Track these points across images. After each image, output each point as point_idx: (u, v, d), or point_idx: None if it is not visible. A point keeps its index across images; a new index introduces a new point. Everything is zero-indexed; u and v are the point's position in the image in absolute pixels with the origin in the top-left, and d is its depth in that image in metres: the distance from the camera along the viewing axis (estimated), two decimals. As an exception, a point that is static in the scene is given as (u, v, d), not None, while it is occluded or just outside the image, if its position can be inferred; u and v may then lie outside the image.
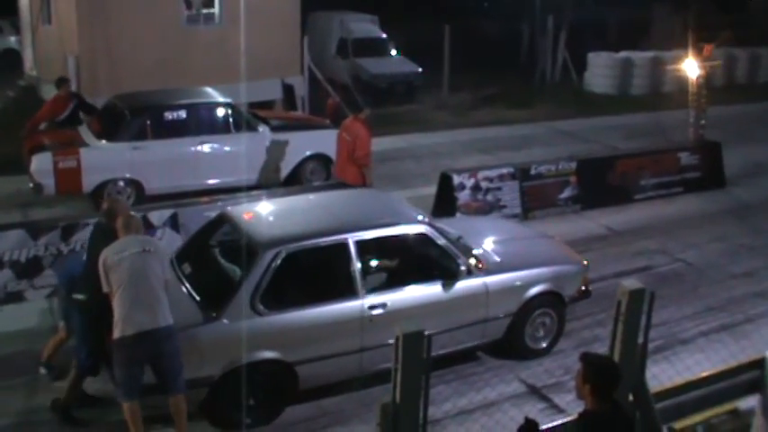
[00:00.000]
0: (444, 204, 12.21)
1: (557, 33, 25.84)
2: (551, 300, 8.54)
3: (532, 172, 12.94)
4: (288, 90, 19.58)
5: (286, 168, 13.55)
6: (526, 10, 27.76)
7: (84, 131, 12.88)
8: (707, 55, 14.79)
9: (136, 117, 12.68)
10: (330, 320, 7.39)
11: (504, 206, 12.60)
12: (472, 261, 8.20)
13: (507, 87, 24.45)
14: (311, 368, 7.36)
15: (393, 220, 8.11)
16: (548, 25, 25.70)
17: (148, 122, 12.66)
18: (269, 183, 13.14)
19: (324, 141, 13.30)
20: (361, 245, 7.62)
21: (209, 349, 6.99)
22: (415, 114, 21.22)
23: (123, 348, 6.50)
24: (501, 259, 8.59)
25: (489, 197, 12.51)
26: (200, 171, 12.81)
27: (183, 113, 12.97)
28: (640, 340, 5.96)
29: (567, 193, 13.21)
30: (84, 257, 7.44)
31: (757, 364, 7.01)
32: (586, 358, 4.92)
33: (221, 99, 13.35)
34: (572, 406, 7.12)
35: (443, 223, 8.87)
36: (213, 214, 9.44)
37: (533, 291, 8.36)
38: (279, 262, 7.23)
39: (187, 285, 7.55)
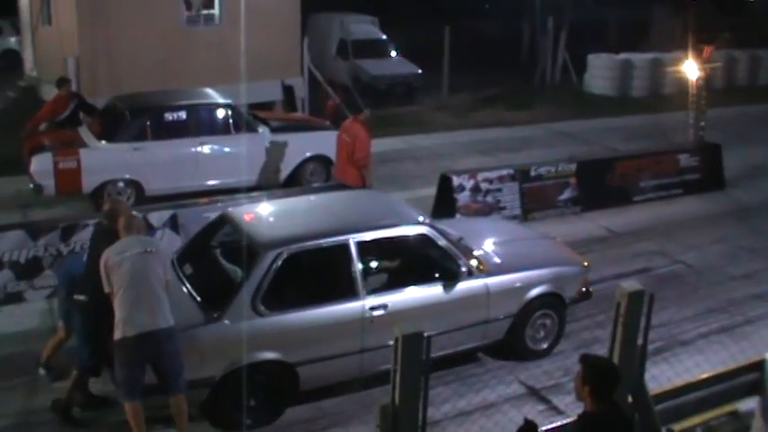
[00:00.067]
0: (444, 206, 12.21)
1: (557, 34, 25.86)
2: (552, 301, 8.54)
3: (532, 173, 12.95)
4: (288, 91, 19.58)
5: (286, 169, 13.56)
6: (526, 11, 27.80)
7: (85, 132, 12.89)
8: (707, 57, 14.80)
9: (136, 118, 12.68)
10: (331, 321, 7.39)
11: (504, 207, 12.60)
12: (474, 262, 8.20)
13: (507, 88, 24.45)
14: (312, 369, 7.36)
15: (394, 221, 8.11)
16: (548, 26, 25.71)
17: (148, 123, 12.66)
18: (269, 184, 13.14)
19: (324, 142, 13.30)
20: (362, 246, 7.62)
21: (210, 350, 6.99)
22: (415, 115, 21.22)
23: (124, 349, 6.51)
24: (501, 260, 8.59)
25: (489, 198, 12.51)
26: (200, 172, 12.81)
27: (183, 114, 12.98)
28: (640, 342, 5.97)
29: (566, 195, 13.21)
30: (85, 258, 7.44)
31: (757, 365, 7.02)
32: (586, 360, 4.92)
33: (221, 100, 13.36)
34: (571, 407, 7.12)
35: (443, 224, 8.87)
36: (213, 215, 9.45)
37: (534, 292, 8.36)
38: (280, 263, 7.23)
39: (188, 286, 7.55)
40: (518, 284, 8.32)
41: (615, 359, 5.79)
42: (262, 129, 13.47)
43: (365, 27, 25.19)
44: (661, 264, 11.37)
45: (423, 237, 7.99)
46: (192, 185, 12.63)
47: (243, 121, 13.25)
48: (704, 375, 7.10)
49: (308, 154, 13.72)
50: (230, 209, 8.49)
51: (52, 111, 13.59)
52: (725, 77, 25.55)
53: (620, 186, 13.82)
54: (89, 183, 12.27)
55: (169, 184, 12.53)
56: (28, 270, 9.54)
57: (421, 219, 8.28)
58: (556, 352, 8.66)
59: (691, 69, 14.83)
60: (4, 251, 9.41)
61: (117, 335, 6.49)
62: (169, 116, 12.93)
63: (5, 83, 21.57)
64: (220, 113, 13.24)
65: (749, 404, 7.19)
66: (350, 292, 7.52)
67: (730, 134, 17.03)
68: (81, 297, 7.08)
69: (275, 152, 13.40)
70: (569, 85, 25.55)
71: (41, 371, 7.86)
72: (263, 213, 8.42)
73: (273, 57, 18.20)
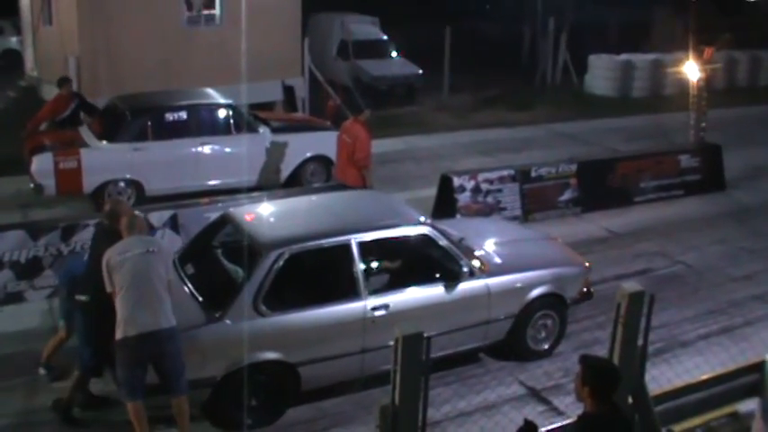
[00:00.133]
0: (444, 206, 12.21)
1: (557, 35, 25.84)
2: (553, 301, 8.54)
3: (533, 174, 12.95)
4: (288, 91, 19.58)
5: (286, 170, 13.56)
6: (527, 12, 27.78)
7: (85, 132, 12.89)
8: (708, 58, 14.80)
9: (136, 118, 12.69)
10: (332, 322, 7.40)
11: (505, 208, 12.60)
12: (476, 263, 8.20)
13: (508, 89, 24.44)
14: (313, 369, 7.36)
15: (395, 221, 8.12)
16: (549, 27, 25.69)
17: (149, 123, 12.66)
18: (269, 184, 13.14)
19: (324, 143, 13.30)
20: (363, 246, 7.63)
21: (212, 350, 6.99)
22: (416, 116, 21.21)
23: (126, 349, 6.51)
24: (503, 261, 8.59)
25: (489, 199, 12.51)
26: (201, 172, 12.82)
27: (183, 114, 12.98)
28: (640, 343, 5.97)
29: (567, 196, 13.21)
30: (86, 258, 7.44)
31: (757, 367, 7.03)
32: (585, 360, 4.92)
33: (222, 100, 13.36)
34: (571, 408, 7.12)
35: (444, 225, 8.87)
36: (213, 215, 9.47)
37: (535, 292, 8.37)
38: (282, 263, 7.24)
39: (190, 286, 7.56)
40: (519, 285, 8.32)
41: (615, 360, 5.80)
42: (262, 129, 13.48)
43: (366, 27, 25.19)
44: (661, 265, 11.37)
45: (424, 237, 7.99)
46: (193, 186, 12.64)
47: (243, 121, 13.26)
48: (704, 376, 7.11)
49: (308, 154, 13.72)
50: (232, 209, 8.49)
51: (53, 110, 13.59)
52: (725, 78, 25.55)
53: (621, 187, 13.82)
54: (90, 183, 12.27)
55: (170, 184, 12.53)
56: (28, 270, 9.54)
57: (422, 219, 8.28)
58: (556, 353, 8.66)
59: (691, 70, 14.83)
60: (5, 251, 9.42)
61: (118, 335, 6.50)
62: (170, 116, 12.93)
63: (6, 83, 21.57)
64: (221, 114, 13.24)
65: (749, 405, 7.19)
66: (351, 293, 7.52)
67: (731, 135, 17.03)
68: (82, 297, 7.08)
69: (276, 152, 13.40)
70: (570, 86, 25.54)
71: (41, 370, 7.87)
72: (264, 213, 8.42)
73: (274, 57, 18.19)
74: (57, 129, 13.35)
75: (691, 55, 14.87)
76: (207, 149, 12.91)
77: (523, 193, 12.80)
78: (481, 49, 26.72)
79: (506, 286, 8.24)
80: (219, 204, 10.31)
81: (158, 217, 10.16)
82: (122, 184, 12.43)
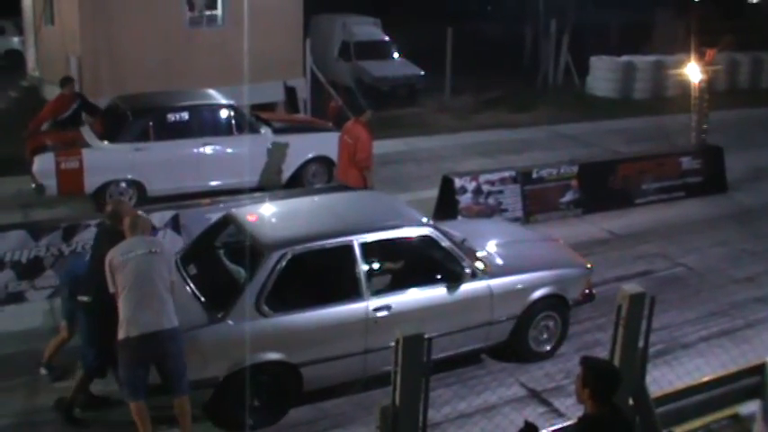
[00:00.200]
0: (446, 207, 12.21)
1: (559, 37, 25.85)
2: (555, 303, 8.54)
3: (534, 175, 12.95)
4: (290, 92, 19.58)
5: (288, 170, 13.56)
6: (529, 13, 27.77)
7: (87, 132, 12.90)
8: (709, 59, 14.79)
9: (138, 118, 12.69)
10: (335, 322, 7.40)
11: (506, 210, 12.60)
12: (479, 265, 8.20)
13: (509, 91, 24.45)
14: (315, 370, 7.36)
15: (398, 222, 8.12)
16: (550, 29, 25.70)
17: (151, 124, 12.67)
18: (271, 185, 13.15)
19: (326, 144, 13.31)
20: (365, 247, 7.63)
21: (214, 350, 7.00)
22: (417, 117, 21.23)
23: (128, 349, 6.52)
24: (505, 262, 8.59)
25: (491, 200, 12.51)
26: (202, 173, 12.82)
27: (185, 115, 12.99)
28: (641, 344, 5.97)
29: (568, 197, 13.21)
30: (88, 258, 7.44)
31: (758, 369, 7.03)
32: (586, 362, 4.93)
33: (223, 101, 13.36)
34: (572, 410, 7.11)
35: (446, 226, 8.87)
36: (215, 216, 9.50)
37: (537, 294, 8.37)
38: (284, 263, 7.24)
39: (192, 286, 7.56)
40: (521, 286, 8.33)
41: (616, 362, 5.79)
42: (264, 130, 13.48)
43: (368, 29, 25.21)
44: (662, 266, 11.37)
45: (426, 238, 7.99)
46: (195, 186, 12.64)
47: (245, 121, 13.26)
48: (705, 378, 7.10)
49: (310, 155, 13.72)
50: (234, 209, 8.50)
51: (54, 110, 13.59)
52: (727, 80, 25.57)
53: (622, 189, 13.82)
54: (91, 183, 12.28)
55: (171, 184, 12.53)
56: (29, 270, 9.54)
57: (424, 220, 8.29)
58: (557, 354, 8.66)
59: (693, 72, 14.83)
60: (6, 251, 9.42)
61: (121, 335, 6.51)
62: (171, 117, 12.93)
63: (8, 83, 21.57)
64: (223, 114, 13.24)
65: (750, 407, 7.19)
66: (354, 293, 7.52)
67: (732, 137, 17.02)
68: (84, 298, 7.08)
69: (277, 153, 13.40)
70: (571, 88, 25.55)
71: (43, 370, 7.87)
72: (266, 214, 8.42)
73: (276, 58, 18.21)
74: (58, 129, 13.35)
75: (692, 57, 14.86)
76: (208, 150, 12.91)
77: (525, 194, 12.81)
78: (483, 51, 26.72)
79: (509, 287, 8.24)
80: (221, 205, 10.33)
81: (160, 217, 10.16)
82: (124, 184, 12.44)
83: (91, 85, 16.56)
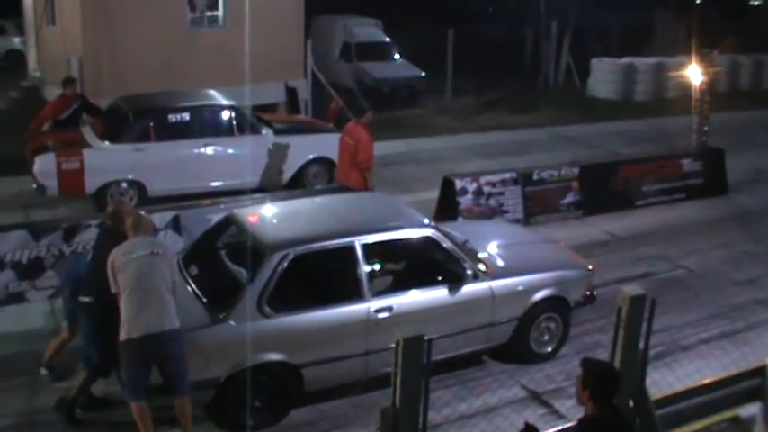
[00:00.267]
0: (446, 209, 12.21)
1: (560, 39, 25.87)
2: (557, 304, 8.54)
3: (535, 177, 12.95)
4: (291, 93, 19.59)
5: (289, 171, 13.57)
6: (530, 15, 27.77)
7: (88, 133, 12.90)
8: (711, 61, 14.80)
9: (139, 119, 12.70)
10: (336, 323, 7.40)
11: (506, 211, 12.60)
12: (481, 267, 8.20)
13: (510, 92, 24.46)
14: (317, 371, 7.36)
15: (399, 223, 8.12)
16: (551, 30, 25.72)
17: (152, 124, 12.68)
18: (272, 186, 13.16)
19: (327, 145, 13.31)
20: (367, 248, 7.63)
21: (216, 351, 7.00)
22: (418, 118, 21.23)
23: (129, 350, 6.53)
24: (506, 263, 8.59)
25: (491, 202, 12.51)
26: (203, 173, 12.82)
27: (186, 116, 12.99)
28: (641, 346, 5.97)
29: (569, 199, 13.21)
30: (89, 259, 7.44)
31: (758, 371, 7.03)
32: (586, 364, 4.93)
33: (224, 102, 13.37)
34: (572, 412, 7.10)
35: (447, 227, 8.87)
36: (215, 217, 9.50)
37: (539, 295, 8.36)
38: (286, 264, 7.24)
39: (194, 287, 7.57)
40: (523, 288, 8.32)
41: (616, 363, 5.79)
42: (265, 131, 13.48)
43: (369, 30, 25.22)
44: (663, 268, 11.37)
45: (428, 239, 7.99)
46: (195, 187, 12.64)
47: (246, 122, 13.27)
48: (705, 380, 7.10)
49: (310, 156, 13.72)
50: (236, 210, 8.49)
51: (55, 110, 13.59)
52: (728, 82, 25.57)
53: (623, 191, 13.82)
54: (92, 183, 12.28)
55: (172, 185, 12.54)
56: (30, 270, 9.53)
57: (426, 221, 8.29)
58: (557, 356, 8.65)
59: (694, 74, 14.83)
60: (7, 251, 9.41)
61: (122, 335, 6.51)
62: (172, 117, 12.94)
63: (9, 83, 21.57)
64: (224, 115, 13.25)
65: (750, 410, 7.20)
66: (355, 295, 7.52)
67: (733, 139, 17.01)
68: (86, 298, 7.08)
69: (278, 154, 13.41)
70: (572, 89, 25.56)
71: (43, 371, 7.87)
72: (268, 215, 8.43)
73: (277, 59, 18.22)
74: (58, 129, 13.36)
75: (693, 58, 14.87)
76: (209, 151, 12.92)
77: (525, 196, 12.81)
78: (484, 52, 26.70)
79: (510, 289, 8.24)
80: (222, 206, 10.32)
81: (161, 218, 10.16)
82: (125, 184, 12.44)
83: (92, 86, 16.57)
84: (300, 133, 14.10)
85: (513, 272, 8.40)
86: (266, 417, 7.31)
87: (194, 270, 7.94)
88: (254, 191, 12.28)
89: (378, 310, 7.52)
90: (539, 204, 12.93)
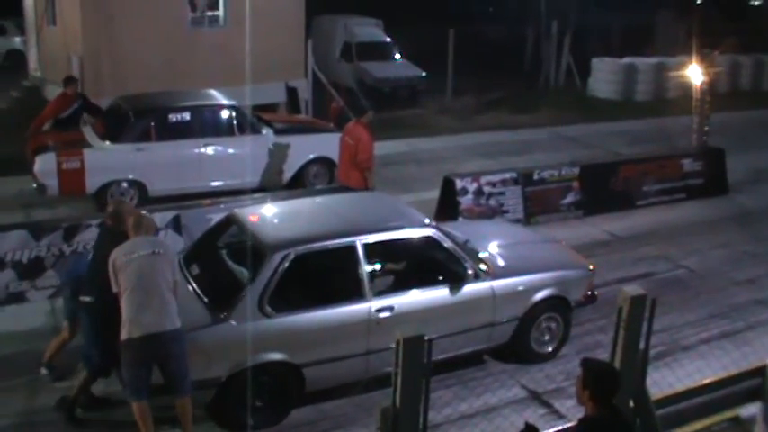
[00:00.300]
0: (447, 209, 12.21)
1: (561, 38, 25.87)
2: (557, 304, 8.54)
3: (535, 177, 12.95)
4: (291, 93, 19.60)
5: (289, 171, 13.57)
6: (530, 15, 27.78)
7: (88, 132, 12.91)
8: (712, 61, 14.80)
9: (140, 119, 12.71)
10: (337, 323, 7.40)
11: (507, 211, 12.59)
12: (482, 266, 8.20)
13: (511, 92, 24.46)
14: (318, 370, 7.36)
15: (400, 223, 8.12)
16: (552, 30, 25.72)
17: (152, 124, 12.69)
18: (272, 185, 13.16)
19: (327, 145, 13.30)
20: (368, 248, 7.63)
21: (217, 350, 7.00)
22: (419, 118, 21.23)
23: (130, 350, 6.53)
24: (507, 263, 8.59)
25: (492, 202, 12.51)
26: (204, 173, 12.82)
27: (186, 115, 12.99)
28: (642, 346, 5.96)
29: (569, 199, 13.21)
30: (90, 258, 7.45)
31: (759, 371, 7.03)
32: (586, 364, 4.93)
33: (225, 101, 13.37)
34: (573, 412, 7.10)
35: (448, 227, 8.87)
36: (216, 217, 9.50)
37: (540, 295, 8.36)
38: (287, 264, 7.24)
39: (195, 286, 7.57)
40: (524, 287, 8.32)
41: (617, 363, 5.79)
42: (265, 130, 13.49)
43: (369, 30, 25.21)
44: (663, 268, 11.37)
45: (429, 239, 7.99)
46: (196, 187, 12.65)
47: (247, 122, 13.27)
48: (706, 380, 7.09)
49: (311, 156, 13.73)
50: (237, 210, 8.49)
51: (55, 109, 13.61)
52: (729, 82, 25.57)
53: (624, 191, 13.82)
54: (92, 183, 12.29)
55: (172, 185, 12.54)
56: (30, 270, 9.54)
57: (427, 221, 8.29)
58: (558, 356, 8.65)
59: (695, 74, 14.83)
60: (7, 251, 9.42)
61: (123, 335, 6.52)
62: (173, 117, 12.94)
63: (10, 83, 21.58)
64: (224, 115, 13.25)
65: (751, 410, 7.20)
66: (356, 294, 7.52)
67: (734, 139, 17.02)
68: (87, 298, 7.08)
69: (279, 154, 13.41)
70: (573, 89, 25.55)
71: (43, 370, 7.87)
72: (269, 215, 8.43)
73: (277, 59, 18.23)
74: (58, 128, 13.36)
75: (694, 58, 14.86)
76: (210, 150, 12.92)
77: (526, 195, 12.81)
78: (484, 52, 26.71)
79: (511, 289, 8.24)
80: (222, 206, 10.33)
81: (161, 218, 10.15)
82: (125, 184, 12.45)
83: (93, 86, 16.58)
84: (301, 133, 14.10)
85: (514, 272, 8.40)
86: (267, 416, 7.31)
87: (195, 270, 7.94)
88: (254, 191, 12.29)
89: (379, 310, 7.51)
90: (539, 204, 12.93)
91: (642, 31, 29.53)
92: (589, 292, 8.86)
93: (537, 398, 8.00)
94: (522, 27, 29.11)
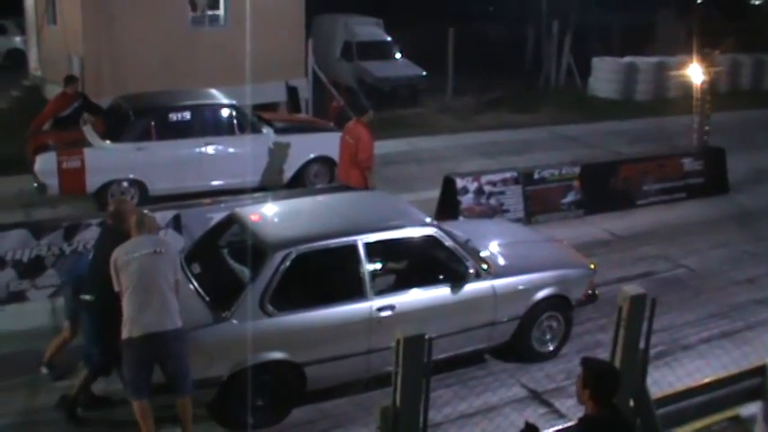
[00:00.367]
0: (447, 208, 12.20)
1: (561, 38, 25.85)
2: (559, 303, 8.54)
3: (536, 176, 12.95)
4: (292, 92, 19.59)
5: (290, 170, 13.57)
6: (531, 14, 27.78)
7: (89, 132, 12.91)
8: (712, 61, 14.80)
9: (140, 118, 12.71)
10: (338, 322, 7.40)
11: (507, 210, 12.59)
12: (484, 265, 8.21)
13: (511, 91, 24.46)
14: (319, 369, 7.37)
15: (402, 222, 8.13)
16: (552, 30, 25.71)
17: (153, 123, 12.69)
18: (272, 185, 13.16)
19: (327, 144, 13.30)
20: (369, 247, 7.63)
21: (218, 349, 7.00)
22: (419, 118, 21.23)
23: (131, 349, 6.53)
24: (508, 262, 8.59)
25: (492, 201, 12.51)
26: (204, 172, 12.83)
27: (187, 115, 13.00)
28: (642, 346, 5.97)
29: (570, 198, 13.21)
30: (90, 258, 7.45)
31: (759, 370, 7.03)
32: (586, 363, 4.93)
33: (225, 101, 13.37)
34: (573, 411, 7.11)
35: (449, 226, 8.87)
36: (216, 216, 9.51)
37: (541, 294, 8.37)
38: (288, 263, 7.25)
39: (196, 285, 7.58)
40: (525, 286, 8.33)
41: (617, 363, 5.79)
42: (266, 130, 13.49)
43: (370, 29, 25.19)
44: (663, 268, 11.37)
45: (430, 238, 8.00)
46: (196, 186, 12.65)
47: (247, 121, 13.27)
48: (706, 380, 7.09)
49: (311, 155, 13.73)
50: (238, 209, 8.50)
51: (55, 108, 13.61)
52: (729, 82, 25.57)
53: (624, 190, 13.82)
54: (93, 182, 12.29)
55: (173, 184, 12.55)
56: (31, 269, 9.55)
57: (428, 220, 8.29)
58: (558, 355, 8.65)
59: (695, 73, 14.83)
60: (7, 250, 9.42)
61: (124, 334, 6.52)
62: (173, 116, 12.95)
63: (10, 82, 21.58)
64: (224, 114, 13.26)
65: (751, 409, 7.20)
66: (357, 293, 7.53)
67: (734, 138, 17.01)
68: (87, 297, 7.09)
69: (279, 153, 13.41)
70: (573, 89, 25.54)
71: (43, 370, 7.88)
72: (270, 214, 8.43)
73: (278, 58, 18.23)
74: (58, 128, 13.36)
75: (694, 58, 14.87)
76: (210, 150, 12.92)
77: (526, 195, 12.80)
78: (485, 52, 26.71)
79: (512, 288, 8.24)
80: (222, 205, 10.34)
81: (161, 217, 10.12)
82: (125, 183, 12.45)
83: (93, 85, 16.57)
84: (301, 132, 14.10)
85: (515, 271, 8.40)
86: (268, 415, 7.32)
87: (197, 269, 7.95)
88: (254, 190, 12.29)
89: (380, 309, 7.52)
90: (539, 204, 12.93)
91: (643, 30, 29.52)
92: (590, 291, 8.86)
93: (537, 397, 8.00)
94: (522, 26, 29.11)
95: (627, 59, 25.10)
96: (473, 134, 19.15)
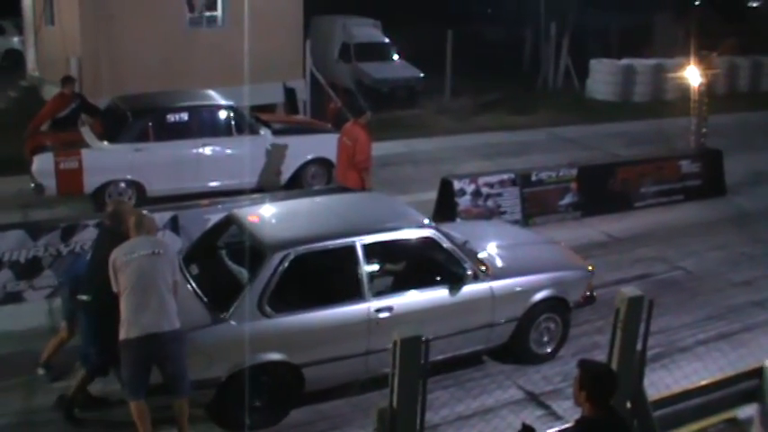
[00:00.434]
0: (445, 210, 12.21)
1: (559, 40, 25.89)
2: (556, 305, 8.54)
3: (533, 178, 12.95)
4: (290, 94, 19.59)
5: (287, 172, 13.57)
6: (529, 16, 27.81)
7: (86, 132, 12.90)
8: (710, 63, 14.82)
9: (138, 119, 12.70)
10: (337, 323, 7.40)
11: (505, 212, 12.60)
12: (481, 267, 8.21)
13: (509, 93, 24.47)
14: (317, 370, 7.37)
15: (399, 223, 8.13)
16: (550, 32, 25.74)
17: (150, 124, 12.68)
18: (270, 186, 13.16)
19: (325, 145, 13.30)
20: (368, 248, 7.64)
21: (216, 350, 7.00)
22: (417, 119, 21.24)
23: (128, 349, 6.53)
24: (506, 264, 8.59)
25: (490, 203, 12.52)
26: (202, 173, 12.82)
27: (184, 116, 13.01)
28: (639, 348, 5.97)
29: (567, 200, 13.22)
30: (88, 258, 7.44)
31: (756, 372, 7.03)
32: (583, 365, 4.93)
33: (223, 102, 13.38)
34: (570, 413, 7.10)
35: (447, 228, 8.87)
36: (213, 217, 9.51)
37: (539, 296, 8.37)
38: (287, 264, 7.25)
39: (195, 286, 7.57)
40: (523, 288, 8.32)
41: (614, 365, 5.79)
42: (263, 131, 13.49)
43: (368, 30, 25.22)
44: (661, 270, 11.37)
45: (428, 240, 7.99)
46: (194, 187, 12.65)
47: (245, 122, 13.27)
48: (703, 382, 7.09)
49: (309, 156, 13.73)
50: (236, 210, 8.49)
51: (53, 109, 13.60)
52: (727, 84, 25.61)
53: (621, 192, 13.83)
54: (90, 183, 12.29)
55: (170, 185, 12.54)
56: (28, 270, 9.53)
57: (426, 221, 8.30)
58: (555, 357, 8.65)
59: (693, 75, 14.84)
60: (5, 251, 9.41)
61: (122, 335, 6.52)
62: (171, 117, 12.95)
63: (8, 83, 21.58)
64: (222, 115, 13.26)
65: (748, 411, 7.20)
66: (356, 295, 7.53)
67: (732, 141, 17.04)
68: (84, 297, 7.08)
69: (276, 154, 13.41)
70: (571, 91, 25.57)
71: (40, 370, 7.86)
72: (268, 215, 8.43)
73: (276, 59, 18.22)
74: (56, 128, 13.35)
75: (692, 60, 14.88)
76: (208, 151, 12.92)
77: (524, 197, 12.81)
78: (483, 53, 26.76)
79: (510, 289, 8.24)
80: (220, 206, 10.32)
81: (159, 218, 10.10)
82: (123, 184, 12.44)
83: (91, 86, 16.58)
84: (299, 134, 14.11)
85: (513, 272, 8.40)
86: (266, 416, 7.32)
87: (195, 270, 7.95)
88: (252, 191, 12.29)
89: (378, 310, 7.52)
90: (537, 205, 12.94)
91: (640, 32, 29.57)
92: (588, 293, 8.87)
93: (534, 399, 8.00)
94: (520, 28, 29.17)
95: (625, 61, 25.13)
96: (471, 136, 19.15)
